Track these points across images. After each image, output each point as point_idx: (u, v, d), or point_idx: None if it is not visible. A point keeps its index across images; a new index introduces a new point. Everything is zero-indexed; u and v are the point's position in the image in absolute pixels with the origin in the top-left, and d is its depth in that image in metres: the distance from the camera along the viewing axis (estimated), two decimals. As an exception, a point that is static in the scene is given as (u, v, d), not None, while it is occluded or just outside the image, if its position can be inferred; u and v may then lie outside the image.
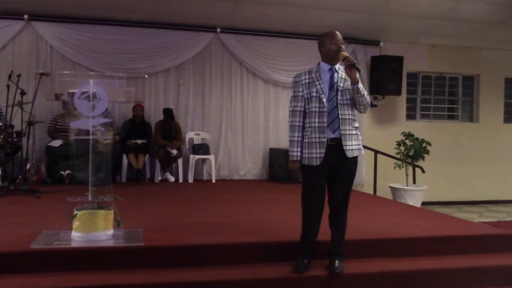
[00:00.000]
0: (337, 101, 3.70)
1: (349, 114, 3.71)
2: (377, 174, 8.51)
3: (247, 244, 3.96)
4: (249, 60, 8.84)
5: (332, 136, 3.67)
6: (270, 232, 4.32)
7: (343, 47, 3.77)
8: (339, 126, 3.67)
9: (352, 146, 3.70)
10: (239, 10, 7.98)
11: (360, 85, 3.67)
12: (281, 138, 9.11)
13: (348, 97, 3.71)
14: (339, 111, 3.68)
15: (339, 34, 3.82)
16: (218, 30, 8.62)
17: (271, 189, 7.68)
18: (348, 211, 3.93)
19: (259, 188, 7.83)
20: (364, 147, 8.90)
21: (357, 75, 3.67)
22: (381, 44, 9.41)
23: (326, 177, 3.79)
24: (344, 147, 3.66)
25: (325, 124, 3.67)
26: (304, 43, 9.03)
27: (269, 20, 8.38)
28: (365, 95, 3.70)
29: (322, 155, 3.66)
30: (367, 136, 9.34)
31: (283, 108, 9.11)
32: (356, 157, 3.76)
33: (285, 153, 8.35)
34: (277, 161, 8.64)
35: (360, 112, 3.80)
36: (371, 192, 8.48)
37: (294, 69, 8.96)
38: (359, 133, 3.79)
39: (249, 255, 3.87)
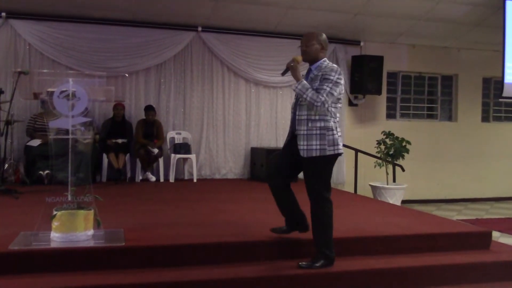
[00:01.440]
0: (297, 102, 3.91)
1: (306, 115, 3.82)
2: (357, 173, 8.58)
3: (229, 243, 3.96)
4: (230, 59, 8.83)
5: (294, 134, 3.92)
6: (251, 231, 4.33)
7: (304, 48, 3.95)
8: (295, 126, 3.88)
9: (306, 146, 3.80)
10: (220, 9, 7.97)
11: (299, 86, 3.81)
12: (262, 137, 9.13)
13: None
14: (297, 112, 3.89)
15: (305, 35, 3.99)
16: (199, 29, 8.59)
17: (253, 189, 7.69)
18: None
19: (240, 188, 7.84)
20: (345, 146, 8.96)
21: (299, 75, 3.89)
22: (362, 43, 9.48)
23: (294, 165, 4.03)
24: (298, 146, 3.82)
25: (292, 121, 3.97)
26: (286, 43, 9.05)
27: (250, 19, 8.39)
28: (306, 95, 3.76)
29: (287, 142, 4.06)
30: (347, 135, 9.41)
31: (264, 107, 9.13)
32: (316, 157, 3.78)
33: (266, 152, 8.39)
34: (258, 160, 8.65)
35: (313, 109, 3.80)
36: (352, 190, 8.55)
37: (275, 69, 9.01)
38: (325, 132, 3.78)
39: (231, 255, 3.88)
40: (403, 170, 8.20)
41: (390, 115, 10.02)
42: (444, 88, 10.41)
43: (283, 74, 4.10)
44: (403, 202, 8.14)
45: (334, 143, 3.80)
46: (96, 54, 8.13)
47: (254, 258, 3.90)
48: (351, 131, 9.53)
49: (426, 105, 10.36)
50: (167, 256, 3.74)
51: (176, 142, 8.46)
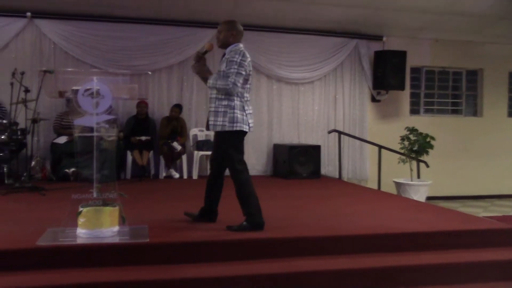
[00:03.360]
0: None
1: (215, 94, 4.25)
2: (381, 169, 8.50)
3: (252, 240, 3.97)
4: (252, 56, 8.72)
5: None
6: (274, 228, 4.32)
7: (217, 35, 4.47)
8: (209, 104, 4.33)
9: (213, 121, 4.25)
10: (241, 6, 7.97)
11: (210, 81, 4.26)
12: (284, 134, 9.11)
13: None
14: (209, 91, 4.34)
15: (220, 24, 4.48)
16: (221, 26, 8.59)
17: (275, 185, 7.68)
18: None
19: (263, 184, 7.80)
20: (368, 142, 8.94)
21: (207, 72, 4.38)
22: (384, 38, 9.38)
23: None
24: (208, 122, 4.29)
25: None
26: (307, 39, 9.04)
27: (271, 15, 8.37)
28: (217, 85, 4.21)
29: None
30: (370, 131, 9.36)
31: (286, 104, 9.11)
32: (219, 131, 4.27)
33: (288, 148, 8.38)
34: (281, 157, 8.64)
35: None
36: (375, 187, 8.48)
37: (297, 65, 9.01)
38: (228, 109, 4.20)
39: (254, 251, 3.88)
40: (427, 166, 8.10)
41: (414, 111, 9.90)
42: (469, 82, 10.26)
43: (202, 54, 4.43)
44: (428, 198, 8.04)
45: (234, 121, 4.20)
46: (120, 53, 8.22)
47: (277, 254, 3.89)
48: (374, 127, 9.46)
49: (450, 100, 10.21)
50: (191, 253, 3.76)
51: (199, 139, 8.51)
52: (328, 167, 9.23)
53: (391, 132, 8.81)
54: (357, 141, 9.22)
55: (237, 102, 4.23)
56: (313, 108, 9.26)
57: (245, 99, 4.33)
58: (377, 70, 9.27)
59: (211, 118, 4.26)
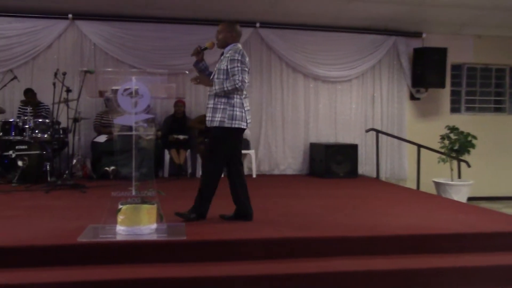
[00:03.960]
0: (211, 80, 4.46)
1: (215, 91, 4.37)
2: (420, 169, 8.34)
3: (290, 239, 3.95)
4: (289, 54, 8.81)
5: None
6: (311, 227, 4.29)
7: (217, 35, 4.57)
8: (207, 101, 4.44)
9: (211, 117, 4.36)
10: (279, 5, 7.94)
11: (216, 87, 4.37)
12: (321, 132, 9.05)
13: (219, 76, 4.40)
14: (208, 88, 4.47)
15: (219, 26, 4.60)
16: (258, 25, 8.62)
17: (312, 184, 7.64)
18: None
19: (299, 183, 7.80)
20: (407, 141, 8.79)
21: (208, 81, 4.49)
22: (424, 35, 9.18)
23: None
24: (206, 118, 4.40)
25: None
26: (344, 36, 8.96)
27: (308, 13, 8.31)
28: (226, 88, 4.32)
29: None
30: (409, 130, 9.20)
31: (323, 103, 9.04)
32: (216, 127, 4.34)
33: (325, 147, 8.32)
34: (317, 156, 8.59)
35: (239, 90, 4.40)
36: (414, 187, 8.33)
37: (334, 63, 8.93)
38: (227, 107, 4.33)
39: (291, 250, 3.86)
40: (468, 166, 7.90)
41: (455, 109, 9.66)
42: (513, 80, 9.94)
43: (202, 50, 4.57)
44: (469, 199, 7.84)
45: (233, 118, 4.32)
46: (158, 52, 8.33)
47: (314, 253, 3.86)
48: (413, 125, 9.29)
49: (493, 98, 9.92)
50: (227, 251, 3.78)
51: (235, 138, 8.52)
52: (365, 167, 9.12)
53: (431, 131, 8.64)
54: (395, 140, 9.07)
55: (236, 99, 4.37)
56: (351, 106, 9.17)
57: (244, 96, 4.46)
58: (416, 68, 9.09)
59: (209, 114, 4.38)
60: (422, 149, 8.34)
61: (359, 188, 7.32)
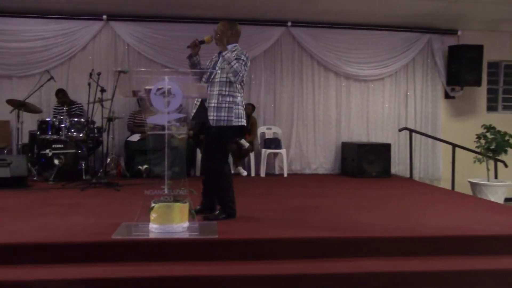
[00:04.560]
0: (209, 79, 4.48)
1: (218, 90, 4.39)
2: (455, 169, 8.17)
3: (321, 239, 3.93)
4: (320, 53, 8.76)
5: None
6: (342, 227, 4.26)
7: (218, 33, 4.53)
8: (208, 100, 4.41)
9: (216, 116, 4.35)
10: (310, 3, 7.90)
11: (228, 53, 4.35)
12: (353, 132, 8.97)
13: (222, 76, 4.40)
14: (209, 87, 4.44)
15: (219, 24, 4.62)
16: (289, 24, 8.60)
17: (344, 184, 7.58)
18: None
19: (331, 183, 7.75)
20: (441, 140, 8.62)
21: (226, 47, 4.41)
22: (459, 32, 9.00)
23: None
24: (208, 117, 4.37)
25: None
26: (377, 34, 8.87)
27: (341, 11, 8.24)
28: (233, 63, 4.33)
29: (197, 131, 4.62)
30: (444, 129, 9.03)
31: (355, 101, 8.97)
32: (223, 126, 4.36)
33: (357, 147, 8.24)
34: (349, 155, 8.51)
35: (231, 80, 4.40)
36: (449, 187, 8.16)
37: (366, 61, 8.84)
38: (233, 106, 4.38)
39: (322, 250, 3.84)
40: (506, 166, 7.70)
41: (491, 108, 9.44)
42: (553, 77, 9.64)
43: (200, 43, 4.56)
44: (506, 200, 7.63)
45: (239, 116, 4.41)
46: (189, 52, 8.37)
47: (346, 253, 3.83)
48: (448, 124, 9.12)
49: (532, 96, 9.65)
50: (259, 249, 3.77)
51: (266, 137, 8.54)
52: (398, 166, 9.00)
53: (466, 130, 8.47)
54: (429, 140, 8.93)
55: (239, 98, 4.46)
56: (383, 105, 9.06)
57: (242, 95, 4.55)
58: (451, 66, 8.92)
59: (213, 113, 4.37)
60: (457, 149, 8.17)
61: (392, 188, 7.23)
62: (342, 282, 3.53)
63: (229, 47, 4.51)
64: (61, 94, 7.86)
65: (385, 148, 8.43)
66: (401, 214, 5.07)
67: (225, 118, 4.37)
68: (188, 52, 4.62)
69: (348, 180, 8.00)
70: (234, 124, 4.40)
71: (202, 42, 4.57)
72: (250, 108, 8.37)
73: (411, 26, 8.88)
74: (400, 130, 8.69)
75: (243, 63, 4.41)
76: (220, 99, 4.39)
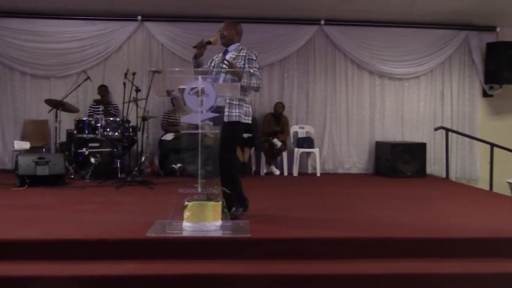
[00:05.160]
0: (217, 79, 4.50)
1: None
2: (493, 169, 7.96)
3: (354, 239, 3.89)
4: (354, 51, 8.68)
5: None
6: (376, 228, 4.20)
7: (223, 32, 4.67)
8: None
9: (228, 112, 4.38)
10: (344, 1, 7.82)
11: (245, 80, 4.36)
12: (387, 131, 8.85)
13: (227, 76, 4.47)
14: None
15: (224, 23, 4.76)
16: (322, 22, 8.55)
17: (377, 183, 7.49)
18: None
19: (364, 182, 7.67)
20: (479, 139, 8.42)
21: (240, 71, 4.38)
22: (498, 29, 8.76)
23: None
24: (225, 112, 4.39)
25: None
26: (411, 32, 8.73)
27: (375, 10, 8.13)
28: (252, 83, 4.42)
29: None
30: (482, 128, 8.83)
31: (389, 100, 8.85)
32: (235, 122, 4.40)
33: (391, 146, 8.13)
34: (383, 154, 8.40)
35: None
36: (487, 187, 7.96)
37: (401, 59, 8.71)
38: (243, 103, 4.44)
39: (355, 250, 3.80)
40: (546, 166, 7.48)
41: (531, 106, 9.17)
42: None
43: (206, 43, 4.58)
44: (547, 201, 7.40)
45: (247, 114, 4.49)
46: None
47: (378, 254, 3.78)
48: (486, 123, 8.90)
49: None
50: (292, 249, 3.76)
51: (299, 136, 8.52)
52: (434, 166, 8.83)
53: (505, 129, 8.27)
54: (467, 139, 8.73)
55: (248, 98, 4.53)
56: (419, 104, 8.91)
57: (249, 94, 4.61)
58: (489, 63, 8.70)
59: (226, 109, 4.39)
60: (495, 148, 7.96)
61: (428, 188, 7.10)
62: (375, 283, 3.48)
63: (233, 46, 4.61)
64: (103, 88, 8.06)
65: (420, 148, 8.28)
66: (437, 215, 4.98)
67: (237, 114, 4.41)
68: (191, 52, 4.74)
69: (382, 180, 7.90)
70: (243, 121, 4.46)
71: (209, 43, 4.61)
72: (280, 107, 8.37)
73: (447, 23, 8.70)
74: (436, 129, 8.53)
75: (257, 67, 4.50)
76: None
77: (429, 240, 3.90)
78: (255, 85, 4.44)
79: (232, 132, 4.46)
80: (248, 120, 4.53)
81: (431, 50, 8.75)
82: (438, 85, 8.93)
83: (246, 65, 4.48)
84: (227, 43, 4.66)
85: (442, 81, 8.93)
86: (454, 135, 8.63)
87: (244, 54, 4.53)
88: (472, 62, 8.87)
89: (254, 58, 4.53)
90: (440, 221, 4.60)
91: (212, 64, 4.70)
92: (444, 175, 8.50)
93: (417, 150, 8.24)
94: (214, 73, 4.53)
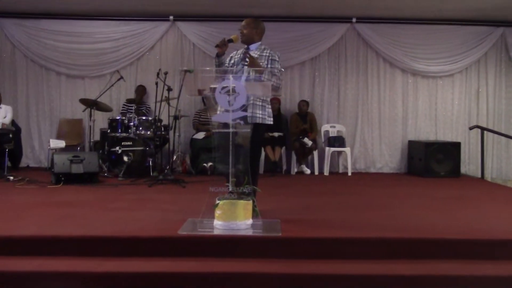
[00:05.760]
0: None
1: None
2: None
3: (386, 239, 3.84)
4: (386, 49, 8.57)
5: None
6: (409, 228, 4.14)
7: (244, 31, 4.67)
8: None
9: (252, 113, 4.35)
10: (376, -1, 7.74)
11: (266, 76, 4.34)
12: (420, 130, 8.72)
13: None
14: None
15: (245, 21, 4.73)
16: (354, 20, 8.47)
17: (410, 183, 7.37)
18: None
19: (397, 182, 7.57)
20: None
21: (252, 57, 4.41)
22: (538, 25, 8.53)
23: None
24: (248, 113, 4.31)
25: None
26: (446, 29, 8.57)
27: (407, 7, 8.00)
28: (272, 82, 4.32)
29: None
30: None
31: (423, 99, 8.72)
32: (261, 124, 4.42)
33: (425, 145, 8.00)
34: (416, 154, 8.27)
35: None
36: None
37: (434, 57, 8.56)
38: (266, 104, 4.44)
39: (387, 251, 3.75)
40: None
41: None
42: None
43: (228, 41, 4.56)
44: None
45: (269, 115, 4.49)
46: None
47: (413, 255, 3.72)
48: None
49: None
50: (322, 249, 3.74)
51: (330, 135, 8.46)
52: (469, 166, 8.66)
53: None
54: (503, 138, 8.52)
55: (269, 98, 4.54)
56: (453, 102, 8.74)
57: None
58: (529, 61, 8.47)
59: (250, 110, 4.35)
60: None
61: (462, 188, 6.96)
62: (408, 284, 3.43)
63: (255, 45, 4.61)
64: (141, 89, 8.19)
65: (454, 147, 8.12)
66: (472, 216, 4.88)
67: (261, 115, 4.42)
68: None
69: (415, 179, 7.77)
70: (267, 122, 4.48)
71: (230, 41, 4.60)
72: (304, 105, 8.32)
73: (482, 20, 8.50)
74: (471, 128, 8.35)
75: (279, 68, 4.47)
76: (253, 97, 4.37)
77: (465, 241, 3.82)
78: (274, 84, 4.38)
79: (257, 133, 4.47)
80: (270, 121, 4.53)
81: (466, 48, 8.57)
82: (474, 83, 8.74)
83: (269, 66, 4.47)
84: (246, 41, 4.66)
85: (477, 79, 8.74)
86: (490, 134, 8.43)
87: (267, 54, 4.55)
88: (509, 59, 8.66)
89: (277, 59, 4.54)
90: (479, 222, 4.51)
91: (232, 61, 4.68)
92: (479, 175, 8.31)
93: (451, 150, 8.08)
94: (235, 71, 4.51)
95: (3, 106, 7.80)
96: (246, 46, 4.67)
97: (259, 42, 4.68)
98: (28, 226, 4.02)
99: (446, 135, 8.71)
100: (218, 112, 4.23)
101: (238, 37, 4.64)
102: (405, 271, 3.49)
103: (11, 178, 6.72)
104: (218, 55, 4.59)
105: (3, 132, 7.23)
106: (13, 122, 7.91)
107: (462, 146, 8.30)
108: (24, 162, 8.45)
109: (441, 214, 4.91)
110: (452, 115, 8.74)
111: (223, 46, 4.58)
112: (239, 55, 4.68)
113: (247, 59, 4.42)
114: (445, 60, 8.60)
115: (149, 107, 8.22)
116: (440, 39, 8.57)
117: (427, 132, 8.74)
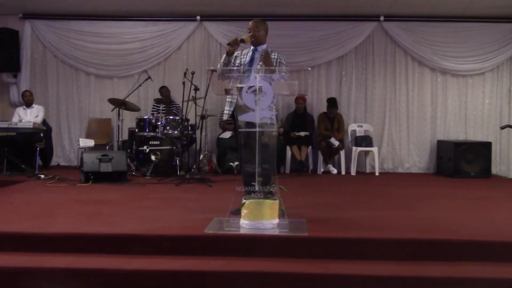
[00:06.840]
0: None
1: None
2: None
3: (412, 240, 3.78)
4: (415, 48, 8.45)
5: None
6: (439, 230, 4.08)
7: (253, 33, 4.63)
8: None
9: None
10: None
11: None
12: (450, 129, 8.57)
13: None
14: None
15: (254, 22, 4.69)
16: (381, 18, 8.38)
17: (439, 184, 7.26)
18: None
19: (425, 182, 7.45)
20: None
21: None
22: None
23: None
24: None
25: None
26: (477, 26, 8.39)
27: (436, 4, 7.87)
28: None
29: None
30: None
31: (452, 98, 8.56)
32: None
33: (454, 145, 7.86)
34: (445, 154, 8.14)
35: None
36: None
37: (464, 55, 8.41)
38: (273, 107, 4.29)
39: (414, 252, 3.70)
40: None
41: None
42: None
43: (240, 41, 4.59)
44: None
45: (277, 118, 4.43)
46: (281, 50, 8.37)
47: (437, 256, 3.66)
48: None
49: None
50: (349, 249, 3.71)
51: (357, 134, 8.39)
52: (500, 166, 8.48)
53: None
54: (536, 138, 8.31)
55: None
56: (483, 101, 8.57)
57: None
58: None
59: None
60: None
61: (493, 189, 6.82)
62: (434, 286, 3.38)
63: (262, 47, 4.62)
64: (164, 89, 8.27)
65: (485, 147, 7.96)
66: (502, 217, 4.77)
67: (269, 116, 4.33)
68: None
69: (444, 180, 7.65)
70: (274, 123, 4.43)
71: (242, 41, 4.62)
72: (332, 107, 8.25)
73: (513, 17, 8.32)
74: (502, 127, 8.14)
75: (285, 72, 4.43)
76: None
77: (496, 243, 3.74)
78: None
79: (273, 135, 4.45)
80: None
81: (497, 45, 8.39)
82: (505, 82, 8.55)
83: (277, 68, 4.45)
84: (256, 42, 4.66)
85: (509, 77, 8.54)
86: (522, 134, 8.23)
87: (275, 57, 4.56)
88: (542, 57, 8.45)
89: (284, 62, 4.58)
90: (510, 224, 4.40)
91: (238, 61, 4.66)
92: (510, 176, 8.13)
93: (482, 150, 7.92)
94: (242, 71, 4.52)
95: (35, 106, 7.98)
96: (251, 47, 4.69)
97: (265, 44, 4.71)
98: (58, 224, 4.10)
99: (477, 135, 8.55)
100: (244, 112, 4.22)
101: (249, 38, 4.66)
102: (433, 273, 3.44)
103: (42, 176, 6.87)
104: (228, 54, 4.61)
105: (34, 131, 7.39)
106: (44, 122, 8.07)
107: (493, 146, 8.14)
108: (54, 160, 8.62)
109: (470, 215, 4.82)
110: (483, 114, 8.57)
111: (235, 45, 4.61)
112: (245, 56, 4.68)
113: (262, 57, 4.42)
114: (476, 58, 8.44)
115: (179, 107, 8.28)
116: (470, 37, 8.40)
117: (457, 132, 8.59)
